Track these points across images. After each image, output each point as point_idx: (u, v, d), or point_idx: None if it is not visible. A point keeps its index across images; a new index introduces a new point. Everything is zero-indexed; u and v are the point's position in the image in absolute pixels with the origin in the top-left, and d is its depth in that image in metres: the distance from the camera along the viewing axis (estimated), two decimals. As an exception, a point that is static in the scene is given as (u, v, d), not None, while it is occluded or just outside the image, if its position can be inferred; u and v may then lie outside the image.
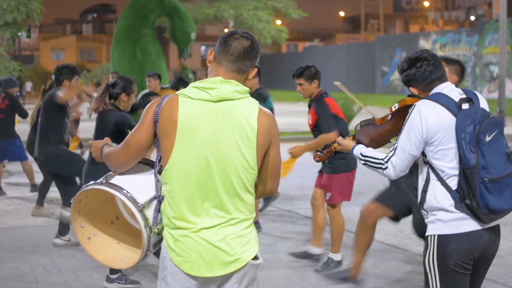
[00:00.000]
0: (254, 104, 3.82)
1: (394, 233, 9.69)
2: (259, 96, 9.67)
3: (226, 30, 41.60)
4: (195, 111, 3.71)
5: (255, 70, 3.91)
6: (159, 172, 3.81)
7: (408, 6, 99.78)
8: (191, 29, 22.13)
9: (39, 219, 10.78)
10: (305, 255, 8.40)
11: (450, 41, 44.02)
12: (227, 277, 3.79)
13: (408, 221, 7.12)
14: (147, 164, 4.07)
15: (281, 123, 11.10)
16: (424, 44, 46.10)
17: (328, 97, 8.13)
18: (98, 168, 7.21)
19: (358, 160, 4.79)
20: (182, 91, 3.78)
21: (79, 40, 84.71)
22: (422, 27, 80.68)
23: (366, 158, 4.68)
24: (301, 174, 13.56)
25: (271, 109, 9.82)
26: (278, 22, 48.09)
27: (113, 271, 7.28)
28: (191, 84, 3.81)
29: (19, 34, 34.41)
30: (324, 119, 7.97)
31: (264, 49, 65.62)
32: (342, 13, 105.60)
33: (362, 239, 7.24)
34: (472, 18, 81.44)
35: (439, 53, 44.77)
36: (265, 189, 3.97)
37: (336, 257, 8.12)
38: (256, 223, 10.02)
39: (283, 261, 8.43)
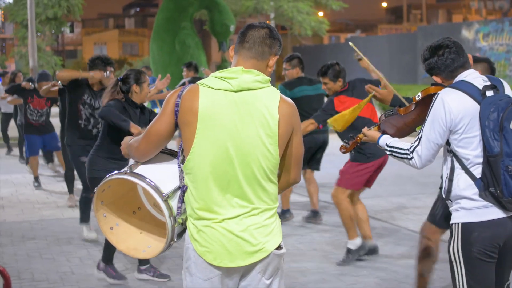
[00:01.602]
0: (275, 93, 3.81)
1: (430, 223, 9.61)
2: (305, 80, 9.96)
3: (267, 22, 41.74)
4: (216, 100, 3.72)
5: (276, 57, 3.90)
6: (182, 162, 3.83)
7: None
8: (230, 22, 22.16)
9: (76, 210, 10.86)
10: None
11: (493, 30, 43.44)
12: (250, 267, 3.80)
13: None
14: (171, 154, 4.09)
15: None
16: (467, 34, 45.56)
17: (342, 95, 8.14)
18: (101, 156, 7.33)
19: (384, 150, 4.77)
20: (202, 80, 3.80)
21: (121, 34, 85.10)
22: (465, 17, 79.85)
23: (392, 149, 4.66)
24: (336, 164, 13.44)
25: (321, 94, 9.82)
26: (321, 13, 47.92)
27: (142, 262, 7.37)
28: (212, 74, 3.82)
29: (62, 29, 34.70)
30: (320, 110, 8.15)
31: (306, 41, 65.43)
32: (384, 4, 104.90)
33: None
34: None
35: (482, 43, 44.28)
36: (288, 179, 3.98)
37: (353, 243, 7.99)
38: (288, 211, 9.97)
39: (317, 251, 8.42)
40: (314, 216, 10.02)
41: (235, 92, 3.73)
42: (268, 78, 3.82)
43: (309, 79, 10.02)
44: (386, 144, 4.72)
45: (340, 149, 5.27)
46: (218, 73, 3.80)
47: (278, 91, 3.84)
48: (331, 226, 9.71)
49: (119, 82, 7.20)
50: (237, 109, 3.72)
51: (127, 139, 4.15)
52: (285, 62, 10.06)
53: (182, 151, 3.86)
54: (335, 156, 11.76)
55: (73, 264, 7.98)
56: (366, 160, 7.92)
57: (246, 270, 3.81)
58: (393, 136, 4.80)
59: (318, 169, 10.30)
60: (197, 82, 3.80)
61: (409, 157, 4.52)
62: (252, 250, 3.75)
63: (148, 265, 7.42)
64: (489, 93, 4.36)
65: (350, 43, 6.81)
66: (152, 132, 3.87)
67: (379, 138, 4.81)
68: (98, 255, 8.29)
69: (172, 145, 14.63)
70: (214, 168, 3.72)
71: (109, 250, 7.28)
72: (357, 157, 7.95)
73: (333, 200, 8.14)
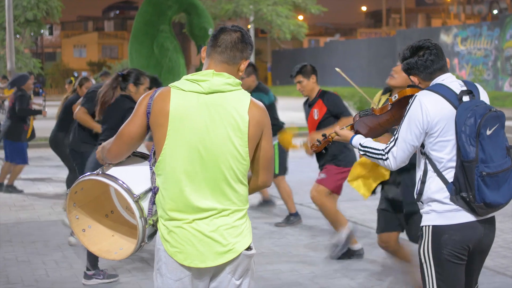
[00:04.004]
0: (246, 96, 3.85)
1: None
2: (261, 90, 9.89)
3: (249, 26, 41.66)
4: (187, 103, 3.76)
5: (247, 62, 3.94)
6: (154, 164, 3.86)
7: (430, 0, 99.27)
8: (209, 25, 22.15)
9: (53, 213, 10.88)
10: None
11: (471, 35, 43.68)
12: (220, 268, 3.83)
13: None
14: (143, 157, 4.12)
15: (300, 117, 11.10)
16: (445, 38, 45.79)
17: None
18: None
19: (357, 150, 4.80)
20: (174, 83, 3.84)
21: (100, 37, 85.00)
22: (444, 21, 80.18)
23: (366, 149, 4.67)
24: (314, 168, 13.51)
25: (273, 101, 9.99)
26: (300, 17, 47.97)
27: (89, 267, 7.26)
28: (184, 77, 3.86)
29: (41, 32, 34.58)
30: (341, 106, 8.10)
31: (285, 44, 65.64)
32: (364, 8, 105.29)
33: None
34: (495, 11, 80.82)
35: (460, 47, 44.49)
36: (257, 182, 4.01)
37: (343, 233, 8.09)
38: (295, 214, 10.04)
39: (293, 254, 8.45)
40: (295, 217, 10.09)
41: (206, 94, 3.77)
42: (238, 81, 3.87)
43: (263, 88, 10.12)
44: (360, 144, 4.73)
45: (312, 147, 5.27)
46: (189, 76, 3.84)
47: (249, 94, 3.88)
48: (307, 229, 9.75)
49: (120, 78, 7.20)
50: (208, 111, 3.76)
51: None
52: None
53: (154, 153, 3.89)
54: (311, 159, 11.79)
55: (48, 267, 7.97)
56: (347, 165, 8.02)
57: (216, 271, 3.85)
58: (366, 136, 4.81)
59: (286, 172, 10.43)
60: (169, 85, 3.84)
61: (383, 157, 4.54)
62: (222, 250, 3.78)
63: (96, 269, 7.32)
64: (466, 98, 4.38)
65: (337, 69, 6.78)
66: (124, 133, 3.90)
67: (352, 137, 4.83)
68: (73, 257, 8.31)
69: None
70: (185, 169, 3.75)
71: (92, 256, 7.17)
72: (338, 162, 8.03)
73: (315, 202, 8.18)
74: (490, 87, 40.26)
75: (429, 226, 4.45)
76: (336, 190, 8.21)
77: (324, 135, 5.14)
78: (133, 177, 3.93)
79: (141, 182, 3.92)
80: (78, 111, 9.00)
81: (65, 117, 11.06)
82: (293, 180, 10.33)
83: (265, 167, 3.98)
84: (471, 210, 4.34)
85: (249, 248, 3.87)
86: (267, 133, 3.91)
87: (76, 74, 64.14)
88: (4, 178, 13.22)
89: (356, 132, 4.89)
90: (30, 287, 7.30)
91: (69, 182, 11.28)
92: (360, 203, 11.43)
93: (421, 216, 4.54)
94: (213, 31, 19.15)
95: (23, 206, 11.64)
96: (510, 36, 40.45)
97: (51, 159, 14.30)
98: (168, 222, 3.80)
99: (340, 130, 4.94)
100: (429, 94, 4.42)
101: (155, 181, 3.86)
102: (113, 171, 3.98)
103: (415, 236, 6.09)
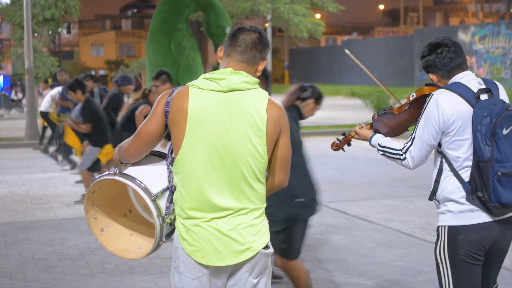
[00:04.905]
0: (264, 94, 3.84)
1: (422, 225, 9.65)
2: None
3: (266, 25, 41.64)
4: (205, 101, 3.75)
5: (265, 62, 3.94)
6: (172, 163, 3.86)
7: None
8: (226, 23, 22.16)
9: (70, 211, 10.91)
10: None
11: (489, 33, 43.57)
12: (238, 266, 3.83)
13: (436, 213, 7.07)
14: (160, 156, 4.11)
15: (317, 116, 11.07)
16: (463, 36, 45.67)
17: None
18: None
19: (376, 150, 4.77)
20: (192, 82, 3.83)
21: (118, 35, 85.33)
22: (462, 20, 79.95)
23: (384, 149, 4.64)
24: (332, 166, 13.56)
25: None
26: (318, 16, 47.95)
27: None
28: (202, 76, 3.86)
29: (59, 30, 34.69)
30: None
31: (303, 43, 65.54)
32: (381, 6, 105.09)
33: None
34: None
35: (478, 45, 44.34)
36: (273, 182, 3.99)
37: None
38: None
39: (307, 254, 8.41)
40: None
41: (225, 92, 3.76)
42: (256, 80, 3.86)
43: None
44: (379, 144, 4.70)
45: (332, 146, 5.23)
46: (207, 75, 3.83)
47: (267, 93, 3.87)
48: (323, 228, 9.73)
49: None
50: (226, 109, 3.75)
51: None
52: (153, 79, 9.94)
53: (171, 152, 3.89)
54: (329, 158, 11.79)
55: (65, 265, 7.99)
56: None
57: (234, 269, 3.84)
58: (385, 135, 4.78)
59: None
60: (187, 84, 3.84)
61: (401, 157, 4.51)
62: (240, 249, 3.78)
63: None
64: (483, 97, 4.33)
65: (347, 51, 6.73)
66: (142, 132, 3.90)
67: (371, 137, 4.80)
68: (90, 255, 8.33)
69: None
70: (203, 168, 3.75)
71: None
72: None
73: None
74: (508, 86, 40.13)
75: (445, 226, 4.42)
76: None
77: (344, 134, 5.13)
78: (150, 176, 3.92)
79: (159, 181, 3.91)
80: None
81: (132, 118, 11.36)
82: (320, 178, 10.31)
83: (282, 167, 3.96)
84: (487, 210, 4.30)
85: (266, 247, 3.86)
86: (285, 132, 3.90)
87: (93, 73, 64.38)
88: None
89: (376, 131, 4.86)
90: (47, 285, 7.32)
91: None
92: (377, 201, 11.41)
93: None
94: (231, 29, 19.25)
95: (40, 204, 11.68)
96: (528, 35, 40.30)
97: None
98: (186, 220, 3.79)
99: (360, 129, 4.92)
100: (445, 93, 4.38)
101: (172, 180, 3.86)
102: (130, 170, 3.98)
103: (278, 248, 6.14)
